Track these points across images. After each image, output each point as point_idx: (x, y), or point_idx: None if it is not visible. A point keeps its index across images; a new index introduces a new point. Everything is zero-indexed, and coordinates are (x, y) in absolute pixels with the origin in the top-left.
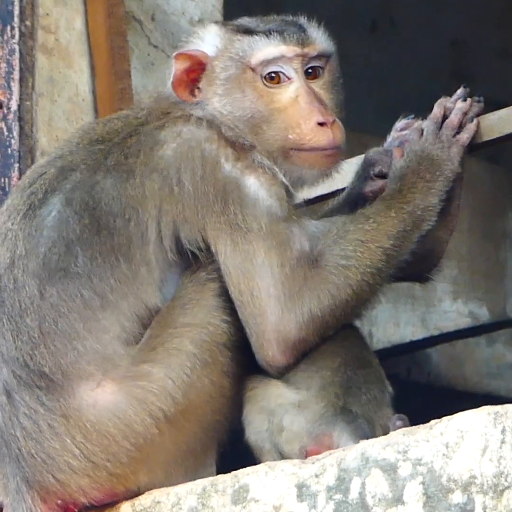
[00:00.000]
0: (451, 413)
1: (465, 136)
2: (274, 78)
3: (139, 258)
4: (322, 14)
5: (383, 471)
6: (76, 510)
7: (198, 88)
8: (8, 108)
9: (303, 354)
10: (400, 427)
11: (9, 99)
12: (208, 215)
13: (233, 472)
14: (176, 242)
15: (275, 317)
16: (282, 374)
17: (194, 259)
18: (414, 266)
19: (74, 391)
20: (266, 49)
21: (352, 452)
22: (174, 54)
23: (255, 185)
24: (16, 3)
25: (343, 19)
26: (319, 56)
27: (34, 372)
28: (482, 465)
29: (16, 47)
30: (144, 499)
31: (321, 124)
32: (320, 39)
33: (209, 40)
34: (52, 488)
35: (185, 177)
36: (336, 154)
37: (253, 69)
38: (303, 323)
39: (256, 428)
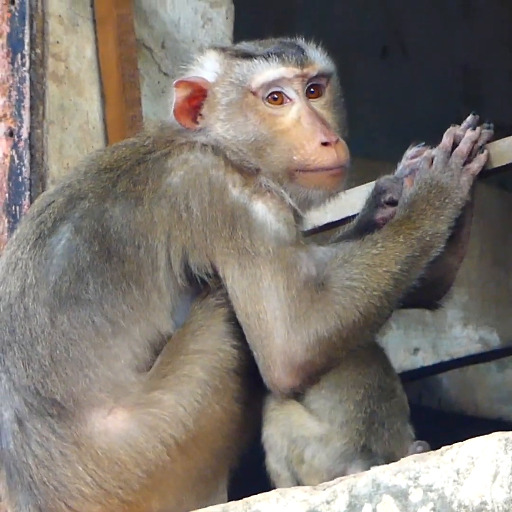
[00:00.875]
0: (462, 439)
1: (475, 166)
2: (276, 100)
3: (150, 284)
4: (334, 39)
5: (394, 498)
6: None
7: (200, 114)
8: (19, 136)
9: (312, 376)
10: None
11: (20, 127)
12: (216, 240)
13: (245, 499)
14: (185, 268)
15: (281, 339)
16: (289, 396)
17: (203, 285)
18: (424, 292)
19: (85, 419)
20: (266, 72)
21: (363, 478)
22: (174, 82)
23: (263, 210)
24: (27, 31)
25: (355, 44)
26: (319, 76)
27: (45, 400)
28: (493, 491)
29: (27, 75)
30: None
31: (324, 144)
32: (319, 59)
33: (208, 66)
34: None
35: (193, 204)
36: (342, 173)
37: (254, 93)
38: (309, 344)
39: (277, 454)
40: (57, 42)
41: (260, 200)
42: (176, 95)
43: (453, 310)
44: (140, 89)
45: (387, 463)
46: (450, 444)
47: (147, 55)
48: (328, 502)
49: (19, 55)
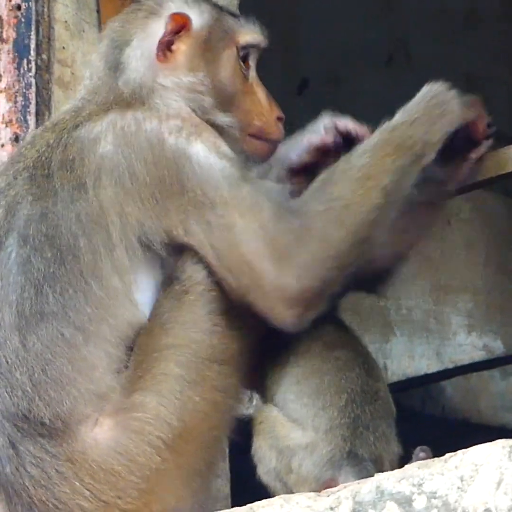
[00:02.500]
0: (466, 446)
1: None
2: (244, 62)
3: (109, 269)
4: (339, 48)
5: (398, 504)
6: None
7: (170, 50)
8: None
9: (314, 302)
10: (423, 459)
11: (25, 133)
12: (168, 200)
13: (249, 505)
14: (141, 244)
15: (272, 276)
16: (300, 328)
17: (163, 267)
18: (370, 278)
19: (75, 435)
20: (252, 33)
21: (367, 485)
22: (170, 13)
23: (203, 150)
24: (33, 36)
25: (360, 53)
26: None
27: (34, 423)
28: (497, 498)
29: (33, 80)
30: None
31: (278, 118)
32: None
33: (194, 7)
34: None
35: (137, 169)
36: (275, 149)
37: (237, 48)
38: (299, 274)
39: (266, 467)
40: (63, 48)
41: (198, 140)
42: (168, 27)
43: (457, 317)
44: None
45: (375, 466)
46: (454, 451)
47: None
48: (332, 509)
49: (25, 61)
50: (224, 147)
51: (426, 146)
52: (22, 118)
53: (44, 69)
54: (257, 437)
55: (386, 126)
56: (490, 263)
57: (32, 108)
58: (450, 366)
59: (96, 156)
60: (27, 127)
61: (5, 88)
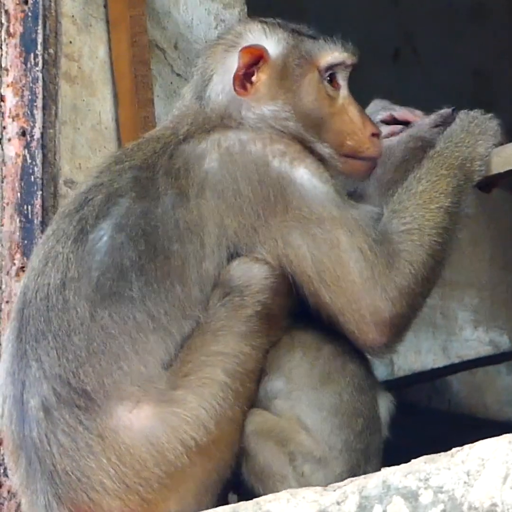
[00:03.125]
0: (472, 441)
1: None
2: (331, 83)
3: (194, 278)
4: (346, 41)
5: (404, 499)
6: None
7: (251, 83)
8: (31, 136)
9: (400, 331)
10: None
11: (32, 127)
12: (271, 217)
13: (255, 499)
14: (229, 255)
15: (370, 300)
16: (385, 354)
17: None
18: None
19: (111, 412)
20: (333, 53)
21: (374, 479)
22: (241, 48)
23: (307, 174)
24: (40, 31)
25: (366, 47)
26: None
27: (75, 390)
28: (503, 493)
29: (40, 75)
30: None
31: (373, 134)
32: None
33: (271, 37)
34: (84, 507)
35: (242, 186)
36: (374, 166)
37: (319, 70)
38: (394, 298)
39: (269, 464)
40: (70, 43)
41: (301, 165)
42: (241, 61)
43: (463, 312)
44: (153, 90)
45: None
46: (460, 446)
47: (160, 56)
48: (338, 503)
49: (32, 55)
50: (326, 173)
51: (474, 162)
52: (29, 112)
53: (51, 64)
54: (256, 432)
55: (433, 153)
56: (496, 259)
57: (39, 102)
58: (457, 361)
59: (201, 171)
60: (34, 122)
61: (12, 82)
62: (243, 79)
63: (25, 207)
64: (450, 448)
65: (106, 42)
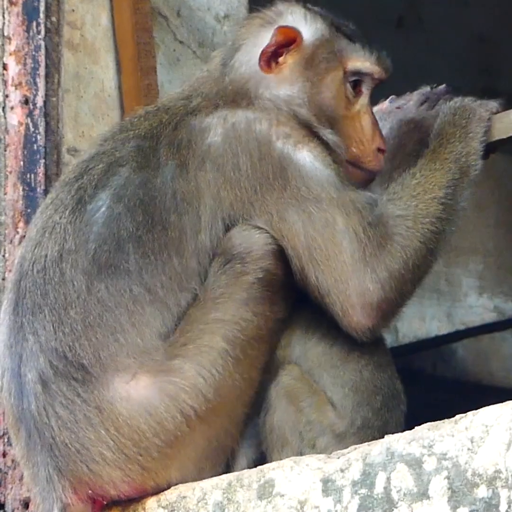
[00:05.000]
0: (477, 408)
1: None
2: (354, 87)
3: (191, 249)
4: (349, 9)
5: (408, 466)
6: (104, 502)
7: (277, 62)
8: (34, 104)
9: (387, 316)
10: None
11: (35, 95)
12: (268, 193)
13: (259, 467)
14: (225, 228)
15: (359, 280)
16: (369, 338)
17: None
18: None
19: (108, 384)
20: (365, 61)
21: (377, 447)
22: (277, 26)
23: (309, 157)
24: None
25: (370, 14)
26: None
27: (71, 363)
28: (507, 459)
29: (42, 43)
30: (170, 494)
31: (379, 150)
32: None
33: (310, 24)
34: (85, 478)
35: (242, 161)
36: (372, 180)
37: (345, 71)
38: (384, 281)
39: (284, 423)
40: (73, 10)
41: (305, 148)
42: (274, 39)
43: (468, 279)
44: (155, 57)
45: None
46: (465, 413)
47: (162, 24)
48: (342, 470)
49: (34, 23)
50: (329, 158)
51: (468, 157)
52: (31, 80)
53: (53, 32)
54: (284, 390)
55: (426, 151)
56: (501, 224)
57: (42, 70)
58: (461, 328)
59: (204, 143)
60: (37, 90)
61: (14, 50)
62: (271, 57)
63: (28, 175)
64: (454, 415)
65: (108, 10)
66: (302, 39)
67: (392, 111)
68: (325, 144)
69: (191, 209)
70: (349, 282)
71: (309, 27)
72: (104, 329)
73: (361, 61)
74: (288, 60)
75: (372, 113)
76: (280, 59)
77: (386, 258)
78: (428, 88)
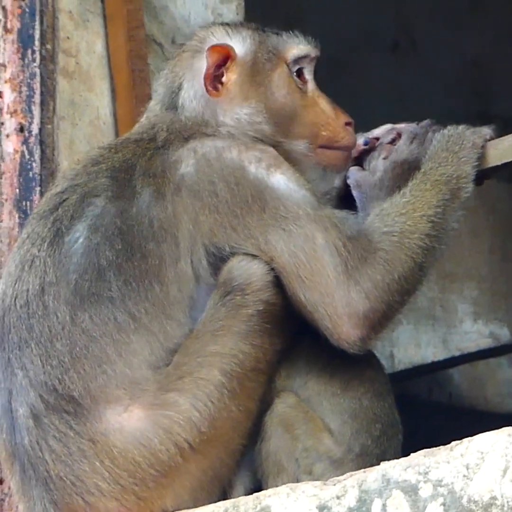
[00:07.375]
0: (473, 434)
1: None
2: (299, 76)
3: (172, 276)
4: (344, 34)
5: (404, 493)
6: None
7: (221, 83)
8: (29, 132)
9: (376, 326)
10: None
11: (31, 123)
12: (248, 216)
13: (255, 494)
14: (207, 253)
15: (343, 292)
16: (360, 350)
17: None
18: None
19: (100, 416)
20: (299, 46)
21: (373, 473)
22: (208, 46)
23: (283, 179)
24: (37, 27)
25: (365, 38)
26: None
27: (62, 396)
28: (503, 486)
29: (37, 70)
30: None
31: (347, 124)
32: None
33: (235, 36)
34: (81, 511)
35: (219, 188)
36: (350, 156)
37: (287, 64)
38: (368, 292)
39: (280, 450)
40: (68, 38)
41: (278, 171)
42: (209, 60)
43: (463, 304)
44: (150, 85)
45: None
46: (460, 439)
47: (157, 51)
48: (338, 497)
49: (29, 51)
50: (302, 178)
51: (460, 180)
52: (27, 108)
53: (48, 59)
54: (279, 418)
55: (418, 174)
56: (495, 250)
57: (37, 98)
58: (457, 354)
59: (177, 174)
60: (32, 117)
61: (9, 78)
62: (214, 80)
63: (24, 203)
64: (450, 441)
65: (103, 37)
66: (235, 51)
67: (384, 148)
68: (296, 161)
69: (169, 236)
70: (334, 294)
71: (236, 39)
72: (91, 360)
73: (297, 47)
74: (231, 77)
75: (323, 94)
76: (223, 79)
77: (368, 269)
78: (414, 124)
